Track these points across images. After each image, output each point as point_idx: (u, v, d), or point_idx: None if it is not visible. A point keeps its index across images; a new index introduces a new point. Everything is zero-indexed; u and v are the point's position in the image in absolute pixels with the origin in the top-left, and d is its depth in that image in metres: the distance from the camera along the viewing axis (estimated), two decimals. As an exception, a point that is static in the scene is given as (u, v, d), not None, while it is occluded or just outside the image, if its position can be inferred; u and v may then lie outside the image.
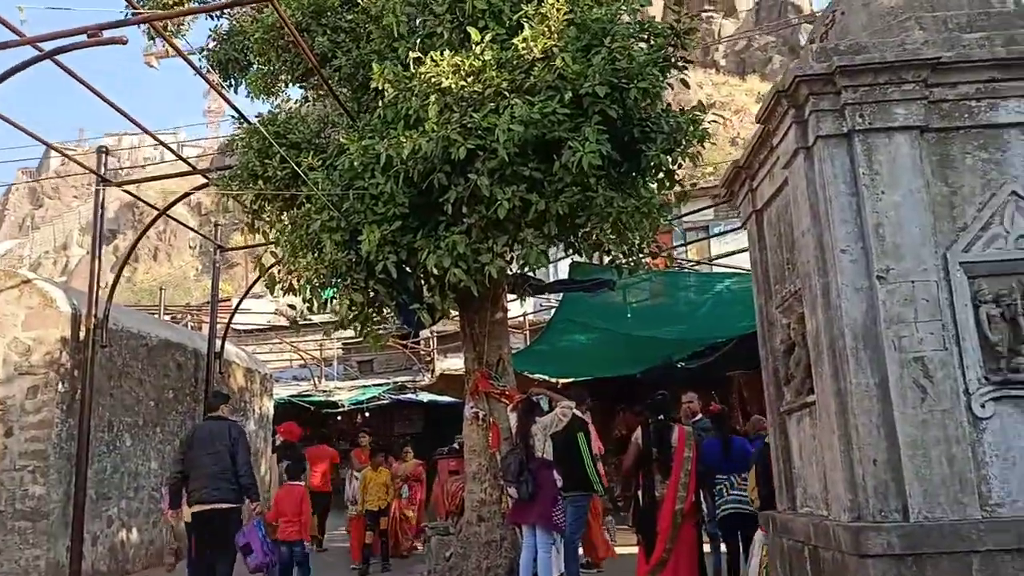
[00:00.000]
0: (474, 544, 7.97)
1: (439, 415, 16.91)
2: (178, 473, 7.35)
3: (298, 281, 7.55)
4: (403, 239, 6.84)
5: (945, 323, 4.34)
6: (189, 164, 10.22)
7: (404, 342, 20.39)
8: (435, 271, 6.66)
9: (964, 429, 4.24)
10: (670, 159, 7.00)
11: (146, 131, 9.12)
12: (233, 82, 8.93)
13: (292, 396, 19.12)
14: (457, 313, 8.36)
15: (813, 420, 4.95)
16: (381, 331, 8.13)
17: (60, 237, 52.73)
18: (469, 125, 6.42)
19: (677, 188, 7.58)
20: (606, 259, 7.86)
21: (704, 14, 35.09)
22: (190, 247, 48.02)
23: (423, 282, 7.42)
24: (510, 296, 8.96)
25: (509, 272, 7.50)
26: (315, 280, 7.34)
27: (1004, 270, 4.45)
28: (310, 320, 23.30)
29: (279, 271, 8.08)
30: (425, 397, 18.38)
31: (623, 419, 12.33)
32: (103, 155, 10.03)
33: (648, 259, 8.41)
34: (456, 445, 10.82)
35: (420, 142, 6.41)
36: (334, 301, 7.69)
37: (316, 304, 7.66)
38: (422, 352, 20.90)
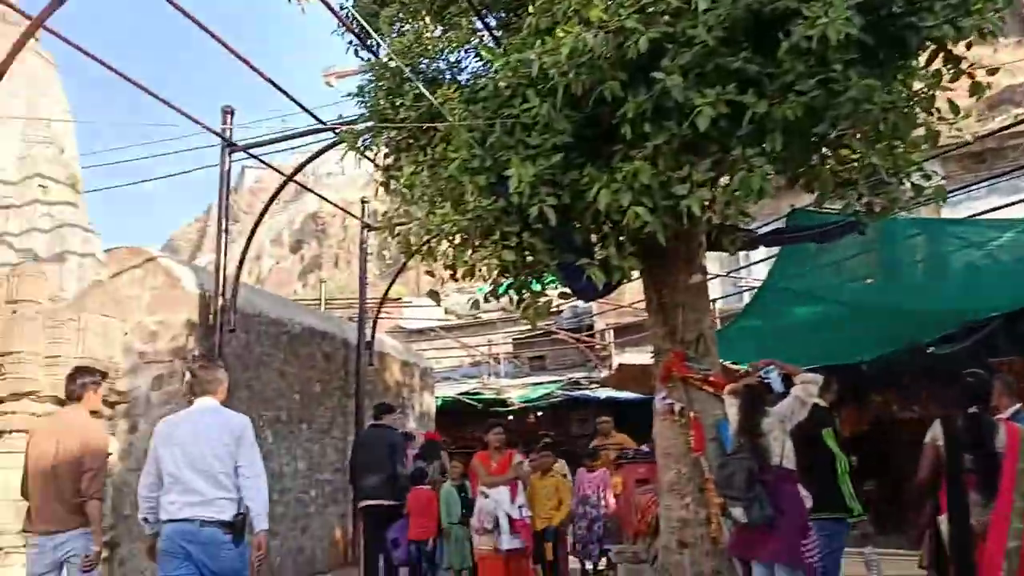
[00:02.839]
0: (675, 576, 6.18)
1: (619, 413, 14.59)
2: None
3: (436, 241, 6.05)
4: (565, 177, 5.30)
5: None
6: (314, 116, 8.73)
7: (576, 335, 19.19)
8: (610, 213, 5.09)
9: None
10: (952, 30, 4.75)
11: (274, 84, 7.98)
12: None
13: (460, 393, 17.58)
14: (639, 276, 6.47)
15: None
16: (543, 299, 6.11)
17: (253, 249, 49.79)
18: (651, 9, 4.76)
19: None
20: (838, 204, 5.75)
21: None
22: (369, 253, 47.38)
23: (594, 231, 5.79)
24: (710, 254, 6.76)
25: (712, 212, 5.49)
26: (455, 236, 5.83)
27: None
28: (478, 317, 22.17)
29: (415, 234, 6.36)
30: (603, 393, 16.40)
31: (847, 417, 9.61)
32: (228, 115, 8.98)
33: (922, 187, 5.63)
34: (645, 447, 8.81)
35: (585, 38, 4.82)
36: (483, 266, 5.90)
37: (459, 270, 6.03)
38: (597, 347, 19.38)
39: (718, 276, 12.10)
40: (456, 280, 6.45)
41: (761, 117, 4.76)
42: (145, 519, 4.77)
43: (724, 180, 5.27)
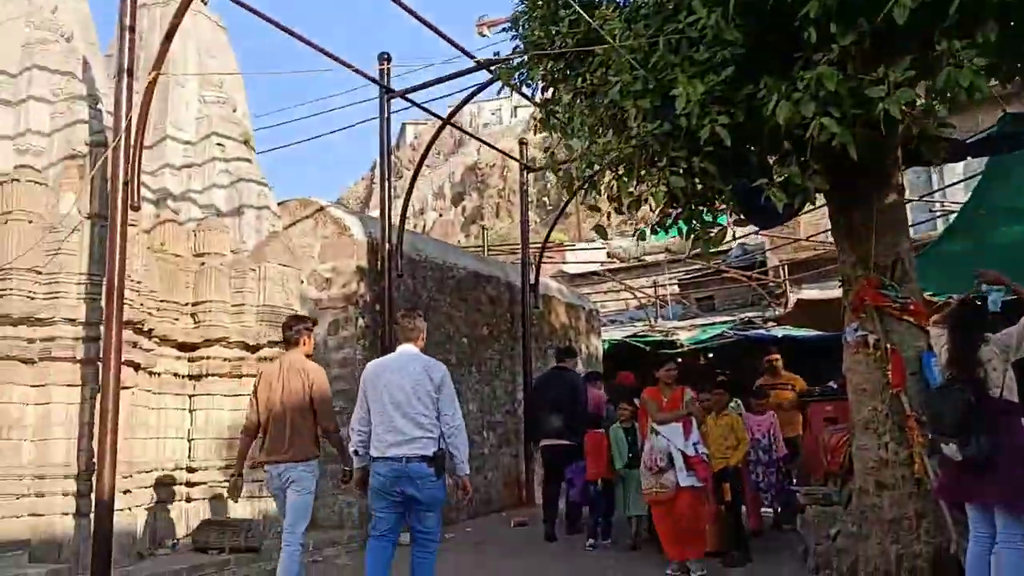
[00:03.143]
0: (873, 521, 5.52)
1: (798, 352, 13.76)
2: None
3: (600, 173, 5.77)
4: (738, 92, 4.83)
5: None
6: (468, 54, 8.68)
7: (748, 273, 18.75)
8: (790, 128, 4.60)
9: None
10: None
11: (429, 25, 8.04)
12: None
13: (627, 336, 17.47)
14: (823, 201, 5.94)
15: None
16: (715, 229, 5.68)
17: (417, 203, 56.22)
18: None
19: None
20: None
21: None
22: (529, 200, 51.30)
23: (771, 150, 5.26)
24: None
25: (911, 119, 4.67)
26: (619, 166, 5.50)
27: None
28: (641, 259, 22.78)
29: (577, 167, 6.06)
30: (779, 332, 15.53)
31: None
32: (385, 62, 9.08)
33: None
34: (832, 384, 8.52)
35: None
36: (649, 196, 5.53)
37: (624, 202, 5.72)
38: (771, 284, 18.78)
39: (911, 201, 11.12)
40: (621, 213, 6.15)
41: (971, 3, 4.12)
42: (355, 451, 5.26)
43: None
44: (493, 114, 65.24)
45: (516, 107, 65.54)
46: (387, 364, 5.26)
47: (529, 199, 14.04)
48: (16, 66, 7.01)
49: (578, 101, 5.93)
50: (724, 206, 5.92)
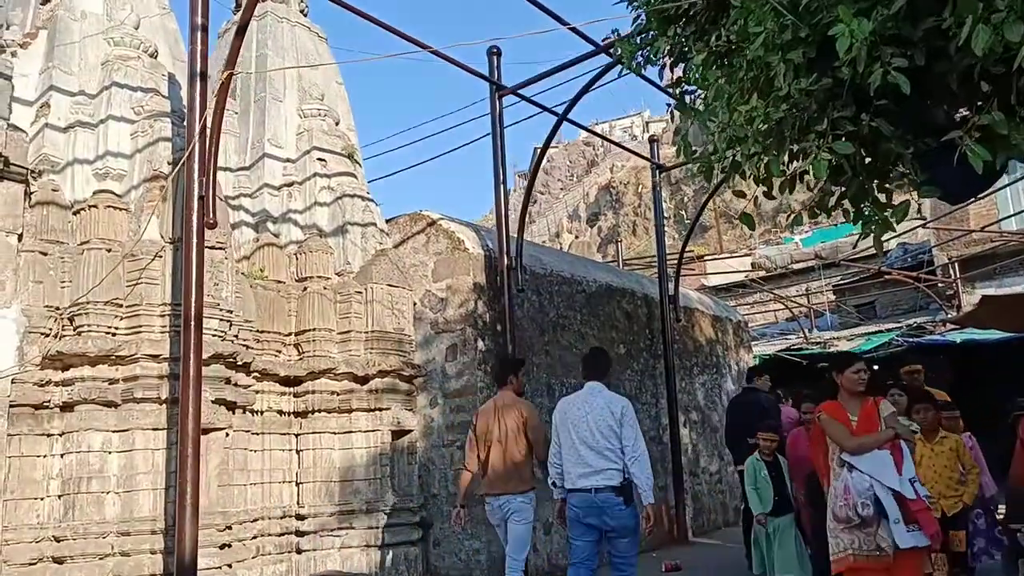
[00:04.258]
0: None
1: (982, 358, 12.90)
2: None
3: (745, 150, 4.63)
4: (916, 28, 3.85)
5: None
6: (588, 39, 7.97)
7: (913, 274, 17.02)
8: (988, 65, 3.59)
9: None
10: None
11: (550, 12, 7.46)
12: None
13: (780, 351, 16.59)
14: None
15: None
16: (892, 208, 4.43)
17: (552, 227, 59.17)
18: None
19: None
20: None
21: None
22: (665, 218, 53.78)
23: (962, 101, 4.15)
24: None
25: None
26: (766, 137, 4.44)
27: None
28: (789, 267, 22.04)
29: (716, 144, 4.90)
30: (958, 336, 13.96)
31: None
32: (494, 56, 8.60)
33: None
34: None
35: None
36: (807, 168, 4.30)
37: (776, 182, 4.63)
38: (940, 286, 17.13)
39: None
40: (771, 197, 5.12)
41: None
42: (553, 483, 5.78)
43: None
44: (624, 131, 64.73)
45: (647, 123, 64.70)
46: (573, 400, 5.77)
47: (665, 215, 13.05)
48: (95, 86, 6.70)
49: (712, 68, 4.97)
50: (901, 179, 4.77)
